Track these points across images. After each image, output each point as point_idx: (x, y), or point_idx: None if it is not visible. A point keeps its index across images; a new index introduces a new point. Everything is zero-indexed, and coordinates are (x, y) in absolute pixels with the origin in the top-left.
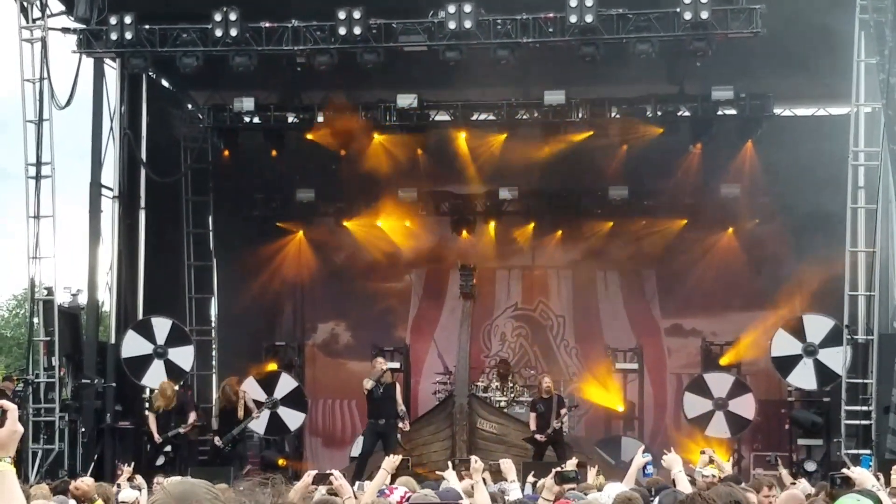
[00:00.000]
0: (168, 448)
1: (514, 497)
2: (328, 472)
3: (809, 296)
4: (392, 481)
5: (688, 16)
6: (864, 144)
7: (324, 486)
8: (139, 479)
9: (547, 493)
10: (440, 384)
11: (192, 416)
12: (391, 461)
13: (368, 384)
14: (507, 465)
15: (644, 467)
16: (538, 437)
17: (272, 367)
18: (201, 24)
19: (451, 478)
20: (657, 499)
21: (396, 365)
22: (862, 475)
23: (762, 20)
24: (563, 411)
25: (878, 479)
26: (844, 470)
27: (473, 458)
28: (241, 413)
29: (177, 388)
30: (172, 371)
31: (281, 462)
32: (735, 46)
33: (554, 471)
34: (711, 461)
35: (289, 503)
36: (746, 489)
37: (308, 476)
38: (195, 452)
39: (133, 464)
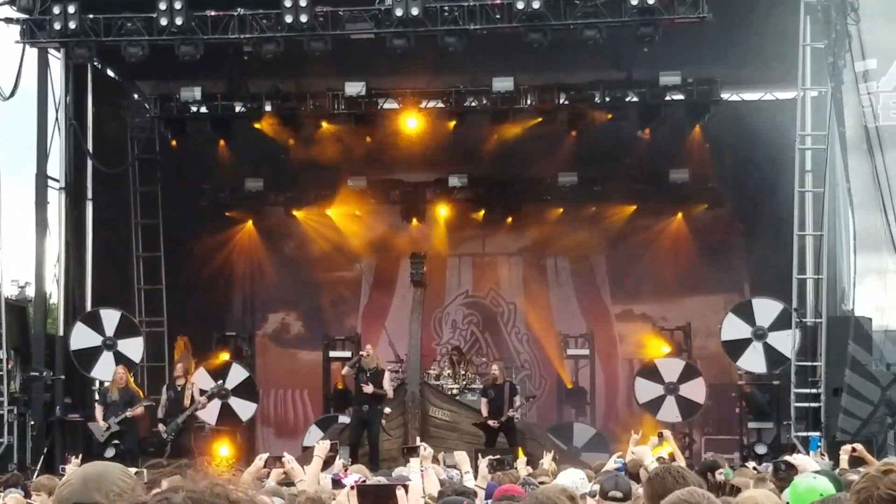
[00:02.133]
0: (116, 441)
1: (431, 474)
2: (280, 455)
3: (758, 279)
4: (324, 468)
5: (634, 1)
6: (811, 128)
7: (277, 468)
8: None
9: (480, 480)
10: (392, 372)
11: (139, 406)
12: (322, 447)
13: (345, 370)
14: (462, 457)
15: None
16: (491, 422)
17: (223, 357)
18: (146, 13)
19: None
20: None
21: (348, 354)
22: (804, 461)
23: (708, 6)
24: (517, 399)
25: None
26: (787, 457)
27: (423, 444)
28: (186, 402)
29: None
30: (122, 363)
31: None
32: (682, 32)
33: (488, 458)
34: (661, 437)
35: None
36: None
37: (259, 460)
38: (141, 444)
39: (81, 456)
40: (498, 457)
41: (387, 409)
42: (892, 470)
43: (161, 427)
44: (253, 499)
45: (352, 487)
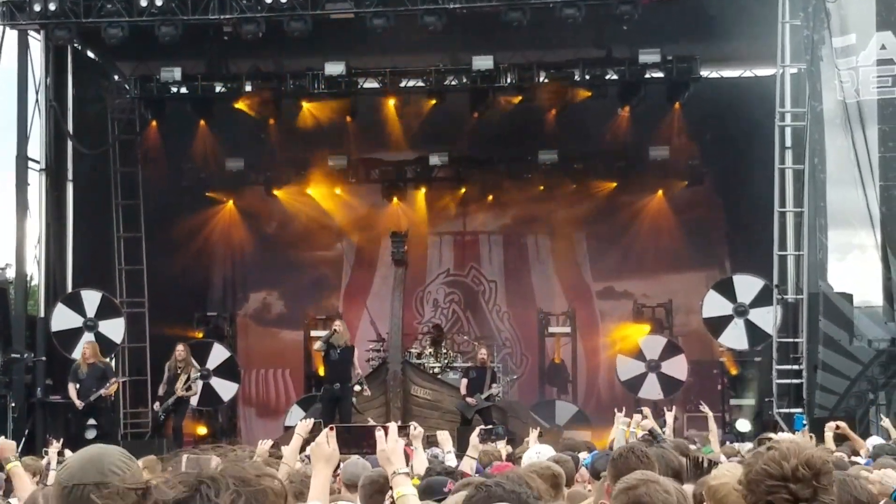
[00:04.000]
0: (93, 421)
1: (420, 455)
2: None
3: (739, 256)
4: (303, 449)
5: None
6: (790, 105)
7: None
8: (68, 454)
9: (472, 450)
10: (373, 351)
11: (112, 380)
12: (304, 425)
13: (317, 345)
14: (444, 437)
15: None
16: (469, 400)
17: (197, 336)
18: None
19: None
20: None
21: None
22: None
23: None
24: (494, 385)
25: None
26: (770, 434)
27: (413, 424)
28: (178, 384)
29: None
30: (103, 344)
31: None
32: (661, 10)
33: (479, 428)
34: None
35: (210, 474)
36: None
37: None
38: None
39: (63, 439)
40: (490, 427)
41: (357, 387)
42: (773, 447)
43: (157, 405)
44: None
45: (331, 428)
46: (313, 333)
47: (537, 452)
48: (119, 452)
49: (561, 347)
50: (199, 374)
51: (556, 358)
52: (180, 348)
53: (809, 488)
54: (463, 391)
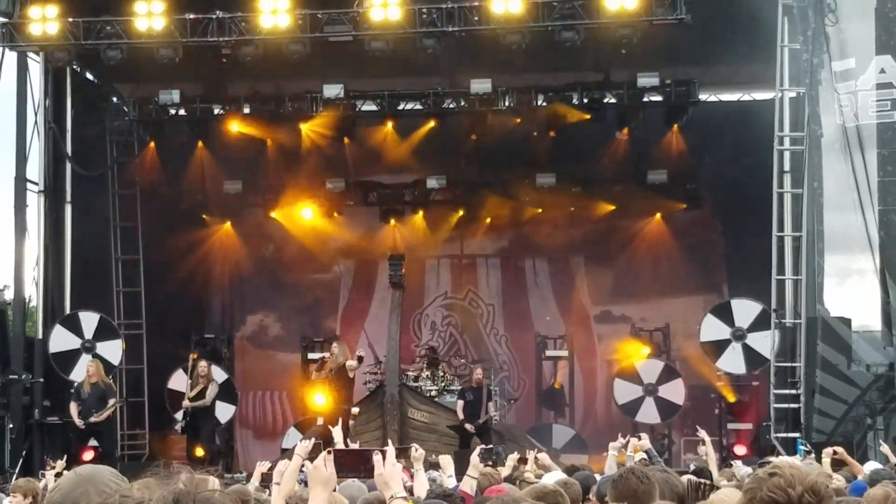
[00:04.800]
0: (94, 443)
1: (421, 476)
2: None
3: (737, 280)
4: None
5: (613, 3)
6: (788, 129)
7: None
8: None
9: (472, 470)
10: (371, 374)
11: (112, 401)
12: (304, 446)
13: (313, 377)
14: (446, 461)
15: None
16: (468, 426)
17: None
18: (125, 16)
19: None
20: (596, 486)
21: (326, 355)
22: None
23: (686, 7)
24: (491, 405)
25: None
26: (771, 458)
27: (414, 445)
28: (191, 392)
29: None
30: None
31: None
32: (660, 33)
33: (479, 448)
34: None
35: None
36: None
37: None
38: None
39: (65, 457)
40: (490, 446)
41: (355, 410)
42: (776, 473)
43: (178, 427)
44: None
45: (328, 452)
46: (311, 356)
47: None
48: (110, 472)
49: (559, 372)
50: (215, 388)
51: (556, 383)
52: (203, 364)
53: None
54: (459, 413)
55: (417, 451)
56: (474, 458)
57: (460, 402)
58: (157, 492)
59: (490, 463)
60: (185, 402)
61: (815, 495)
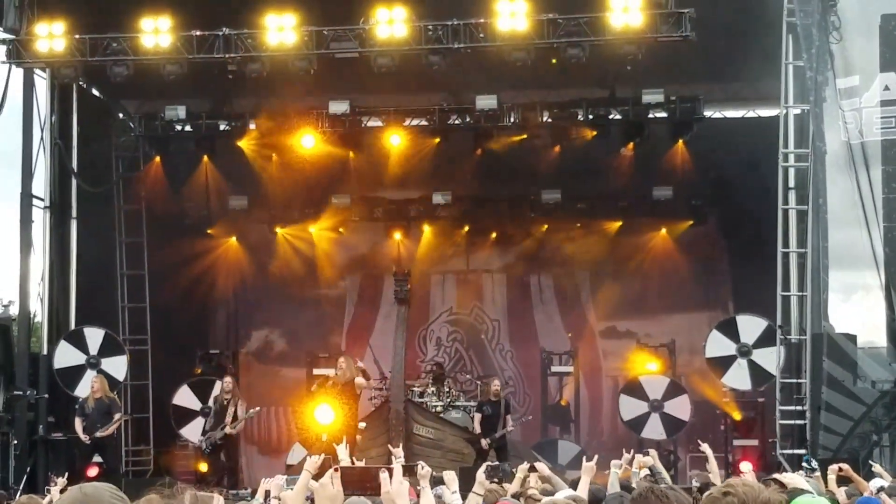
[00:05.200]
0: (99, 459)
1: (427, 494)
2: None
3: (742, 296)
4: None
5: (618, 20)
6: (793, 146)
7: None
8: None
9: (478, 486)
10: (376, 390)
11: (118, 416)
12: (313, 462)
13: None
14: (450, 477)
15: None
16: (483, 442)
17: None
18: (131, 33)
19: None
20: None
21: (332, 372)
22: (793, 479)
23: (691, 24)
24: (509, 418)
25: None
26: (776, 475)
27: (420, 463)
28: (228, 418)
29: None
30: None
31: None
32: (665, 50)
33: (485, 465)
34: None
35: None
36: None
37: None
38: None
39: (67, 474)
40: (496, 463)
41: (361, 425)
42: (729, 493)
43: (200, 437)
44: None
45: (335, 469)
46: (316, 371)
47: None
48: (110, 490)
49: (564, 388)
50: (245, 407)
51: (563, 401)
52: (228, 380)
53: None
54: (477, 428)
55: (423, 469)
56: (480, 474)
57: (478, 416)
58: None
59: (496, 480)
60: (228, 430)
61: None
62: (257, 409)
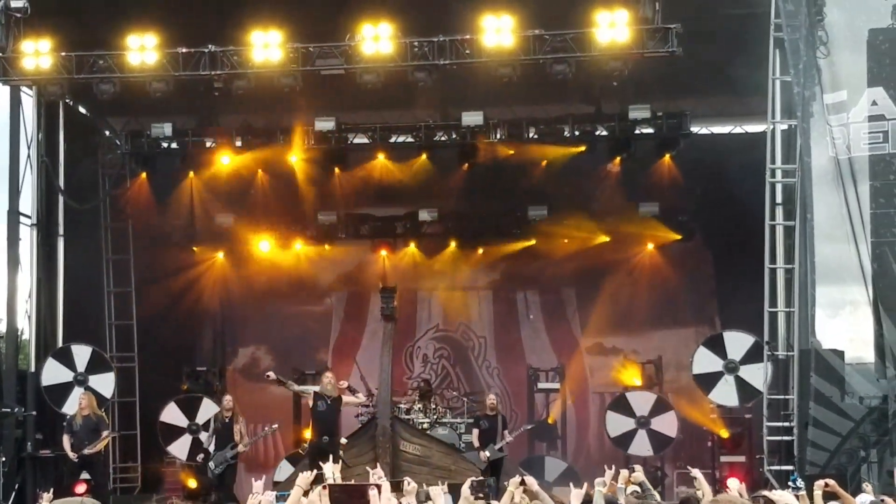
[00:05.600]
0: (87, 476)
1: None
2: None
3: (729, 312)
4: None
5: (604, 36)
6: (780, 161)
7: None
8: None
9: (464, 502)
10: (363, 406)
11: (106, 433)
12: (305, 477)
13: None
14: (436, 492)
15: None
16: (482, 455)
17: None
18: (117, 50)
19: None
20: None
21: (317, 388)
22: (783, 496)
23: (678, 40)
24: (506, 433)
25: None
26: (765, 492)
27: (407, 479)
28: (236, 437)
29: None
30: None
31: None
32: (651, 66)
33: (470, 480)
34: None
35: None
36: None
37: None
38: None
39: (53, 490)
40: (480, 479)
41: (343, 440)
42: None
43: (211, 465)
44: None
45: (323, 487)
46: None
47: None
48: None
49: (552, 405)
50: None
51: (550, 419)
52: (228, 398)
53: None
54: (475, 442)
55: (410, 485)
56: (465, 490)
57: (476, 431)
58: None
59: (482, 496)
60: (241, 448)
61: None
62: (275, 426)
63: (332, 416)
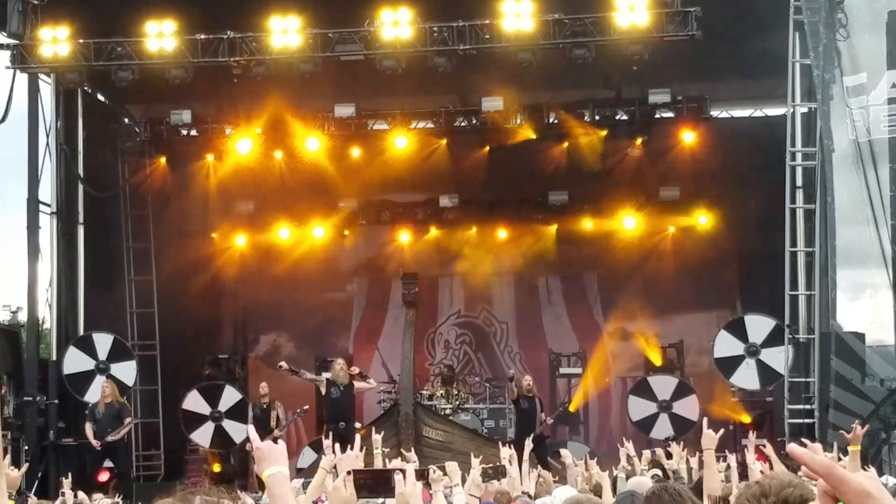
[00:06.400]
0: (110, 463)
1: (457, 502)
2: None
3: (750, 296)
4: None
5: (624, 20)
6: (801, 144)
7: None
8: (81, 496)
9: (475, 489)
10: (385, 393)
11: (128, 420)
12: (328, 460)
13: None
14: (453, 468)
15: None
16: (547, 419)
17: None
18: (136, 37)
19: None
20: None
21: (329, 375)
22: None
23: (697, 23)
24: (543, 414)
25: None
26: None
27: (432, 467)
28: (273, 423)
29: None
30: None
31: (216, 468)
32: (671, 49)
33: (480, 466)
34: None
35: None
36: None
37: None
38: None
39: (70, 476)
40: (492, 465)
41: (357, 425)
42: (758, 482)
43: (249, 446)
44: None
45: (348, 473)
46: (325, 375)
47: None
48: None
49: (574, 391)
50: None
51: (572, 406)
52: (264, 385)
53: None
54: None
55: (436, 474)
56: (475, 476)
57: (515, 414)
58: None
59: (498, 481)
60: (277, 433)
61: None
62: (306, 407)
63: (346, 402)
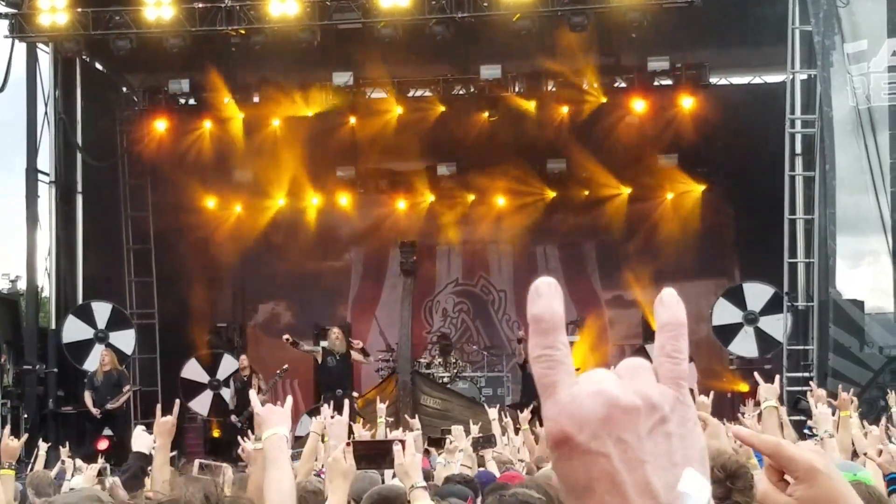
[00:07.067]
0: (109, 432)
1: (454, 468)
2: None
3: (749, 264)
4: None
5: None
6: (800, 111)
7: None
8: (79, 463)
9: (466, 459)
10: (383, 361)
11: (127, 388)
12: (319, 423)
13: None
14: (458, 432)
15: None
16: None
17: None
18: (134, 6)
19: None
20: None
21: (325, 344)
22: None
23: None
24: None
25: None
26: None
27: (449, 437)
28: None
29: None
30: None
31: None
32: (670, 17)
33: (471, 437)
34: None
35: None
36: None
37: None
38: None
39: (67, 444)
40: (481, 435)
41: (355, 394)
42: None
43: (234, 417)
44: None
45: (347, 444)
46: (323, 344)
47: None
48: (89, 499)
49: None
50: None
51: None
52: (243, 358)
53: (723, 488)
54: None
55: (451, 444)
56: (467, 446)
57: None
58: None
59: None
60: (261, 398)
61: (724, 471)
62: (285, 367)
63: (342, 371)
